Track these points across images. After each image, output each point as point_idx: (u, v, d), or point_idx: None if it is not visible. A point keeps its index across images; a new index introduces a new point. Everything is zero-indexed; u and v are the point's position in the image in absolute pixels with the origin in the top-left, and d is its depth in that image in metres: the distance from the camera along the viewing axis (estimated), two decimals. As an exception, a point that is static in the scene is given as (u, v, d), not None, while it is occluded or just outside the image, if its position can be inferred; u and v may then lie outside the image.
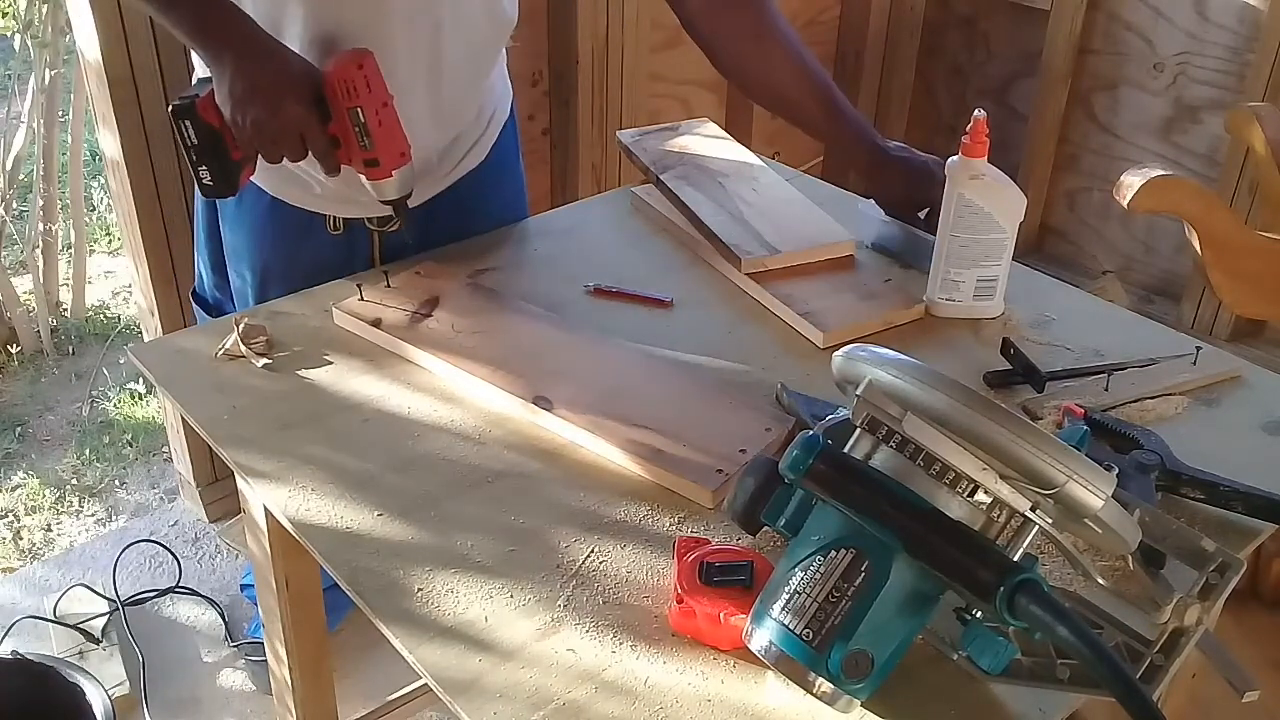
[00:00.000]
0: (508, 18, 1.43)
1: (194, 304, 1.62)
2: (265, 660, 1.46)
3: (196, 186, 1.27)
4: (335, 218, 1.44)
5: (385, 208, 1.32)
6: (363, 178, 1.27)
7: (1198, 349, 1.29)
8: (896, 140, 1.52)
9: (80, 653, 1.97)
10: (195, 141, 1.22)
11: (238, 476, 1.15)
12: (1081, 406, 1.17)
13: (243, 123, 1.19)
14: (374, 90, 1.21)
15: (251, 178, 1.32)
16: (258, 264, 1.47)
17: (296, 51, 1.24)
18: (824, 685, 0.81)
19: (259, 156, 1.23)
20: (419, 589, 0.97)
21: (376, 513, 1.05)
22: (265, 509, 1.19)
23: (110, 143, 1.93)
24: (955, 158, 1.32)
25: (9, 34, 2.63)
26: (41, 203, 2.78)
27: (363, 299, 1.32)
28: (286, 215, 1.43)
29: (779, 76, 1.48)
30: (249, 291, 1.49)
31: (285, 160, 1.23)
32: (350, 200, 1.41)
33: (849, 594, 0.80)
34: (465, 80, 1.41)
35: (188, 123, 1.22)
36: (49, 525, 2.38)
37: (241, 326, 1.26)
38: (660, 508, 1.06)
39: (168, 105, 1.23)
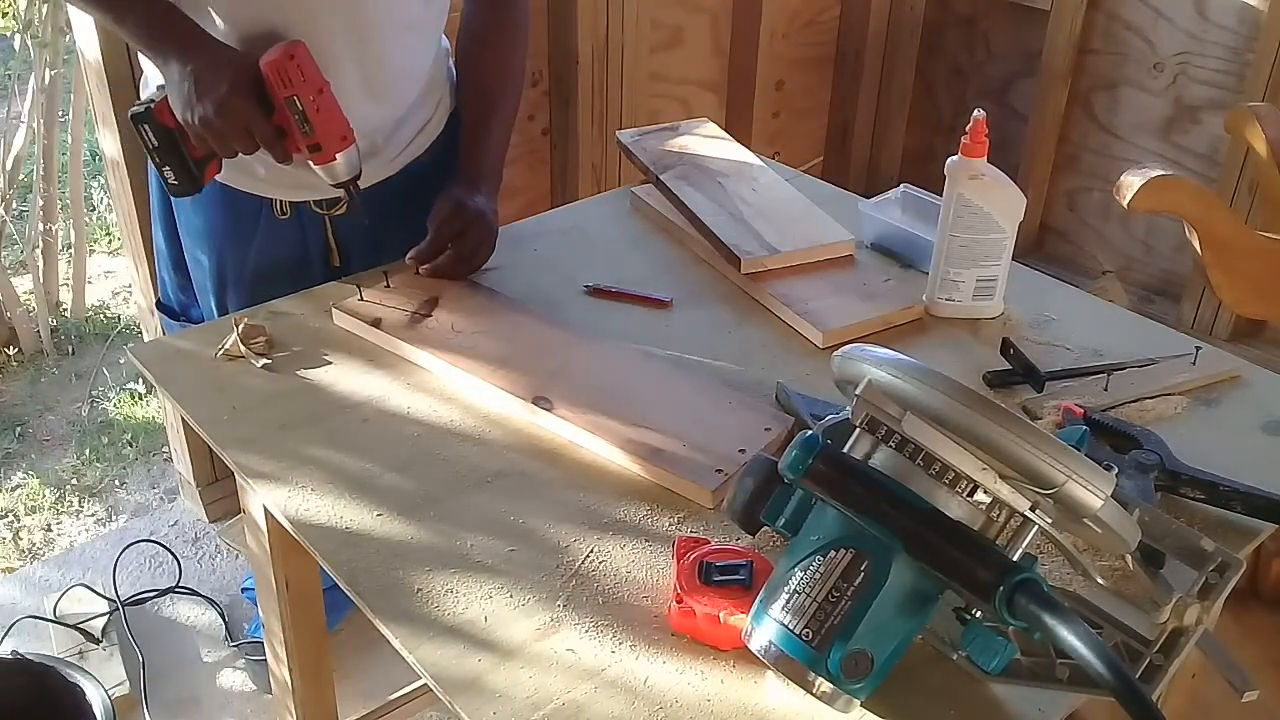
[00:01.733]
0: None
1: (160, 314, 1.63)
2: (265, 660, 1.46)
3: (165, 188, 1.33)
4: (281, 201, 1.45)
5: (331, 190, 1.36)
6: (310, 164, 1.30)
7: (1197, 349, 1.29)
8: (897, 141, 1.51)
9: (80, 653, 1.97)
10: (155, 144, 1.29)
11: (237, 476, 1.15)
12: (1081, 406, 1.17)
13: (193, 121, 1.23)
14: (308, 78, 1.24)
15: (214, 177, 1.35)
16: (213, 251, 1.49)
17: (230, 44, 1.28)
18: (823, 685, 0.81)
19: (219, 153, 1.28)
20: (419, 589, 0.97)
21: (376, 513, 1.05)
22: (265, 509, 1.19)
23: (110, 143, 1.93)
24: (955, 157, 1.32)
25: (9, 34, 2.63)
26: (41, 203, 2.78)
27: (362, 299, 1.32)
28: (235, 201, 1.44)
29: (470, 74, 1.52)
30: (208, 281, 1.51)
31: (240, 153, 1.27)
32: (294, 185, 1.42)
33: (848, 594, 0.80)
34: (396, 53, 1.41)
35: (146, 127, 1.28)
36: (49, 525, 2.38)
37: (241, 327, 1.26)
38: (660, 508, 1.06)
39: (127, 114, 1.30)
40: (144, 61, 1.41)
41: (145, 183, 1.91)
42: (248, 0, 1.29)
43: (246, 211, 1.45)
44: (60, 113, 2.75)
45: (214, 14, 1.30)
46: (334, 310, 1.31)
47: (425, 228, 1.41)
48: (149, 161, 1.33)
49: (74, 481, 2.49)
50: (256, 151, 1.27)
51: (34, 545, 2.32)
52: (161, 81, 1.29)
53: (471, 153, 1.48)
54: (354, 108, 1.33)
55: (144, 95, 1.37)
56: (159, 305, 1.64)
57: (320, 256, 1.50)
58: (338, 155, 1.29)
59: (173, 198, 1.41)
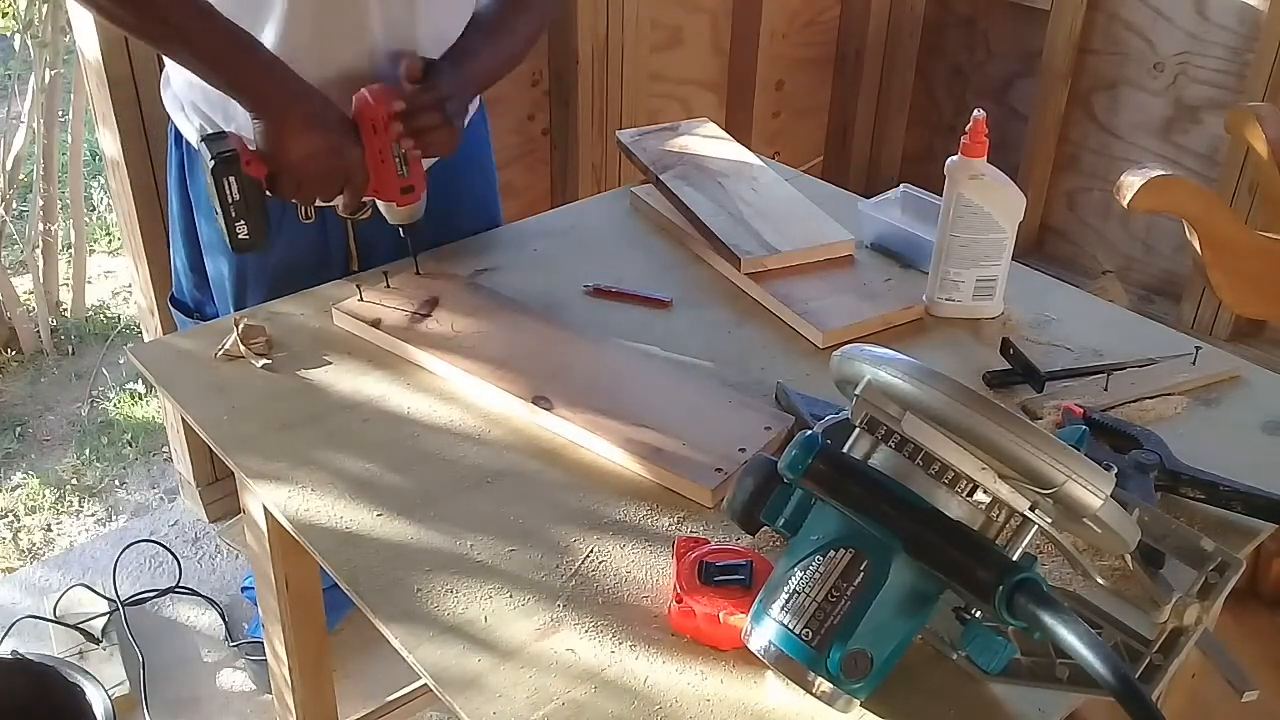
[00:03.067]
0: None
1: (172, 309, 1.62)
2: (265, 660, 1.46)
3: (228, 241, 1.25)
4: (306, 206, 1.44)
5: None
6: (389, 205, 1.31)
7: (1197, 349, 1.29)
8: (897, 141, 1.51)
9: (80, 653, 1.97)
10: (237, 198, 1.21)
11: (237, 476, 1.15)
12: (1081, 406, 1.17)
13: (299, 180, 1.22)
14: (390, 119, 1.25)
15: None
16: (234, 256, 1.47)
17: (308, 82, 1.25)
18: (823, 685, 0.81)
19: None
20: (418, 589, 0.97)
21: (376, 513, 1.05)
22: (265, 509, 1.19)
23: (110, 142, 1.93)
24: (955, 157, 1.32)
25: (9, 34, 2.63)
26: (41, 202, 2.78)
27: (362, 299, 1.32)
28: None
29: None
30: (226, 283, 1.50)
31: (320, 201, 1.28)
32: None
33: (848, 594, 0.80)
34: (430, 46, 1.38)
35: (232, 179, 1.20)
36: (49, 525, 2.38)
37: (241, 327, 1.26)
38: (660, 508, 1.06)
39: (208, 163, 1.21)
40: (186, 89, 1.37)
41: (145, 182, 1.93)
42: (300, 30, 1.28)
43: (270, 215, 1.44)
44: (60, 112, 2.75)
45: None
46: (334, 311, 1.31)
47: (447, 232, 1.42)
48: (219, 216, 1.23)
49: (74, 481, 2.49)
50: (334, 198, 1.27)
51: (34, 545, 2.32)
52: (229, 123, 1.27)
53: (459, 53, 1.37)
54: None
55: (192, 129, 1.35)
56: (172, 300, 1.62)
57: (341, 259, 1.48)
58: (420, 196, 1.32)
59: (233, 249, 1.30)
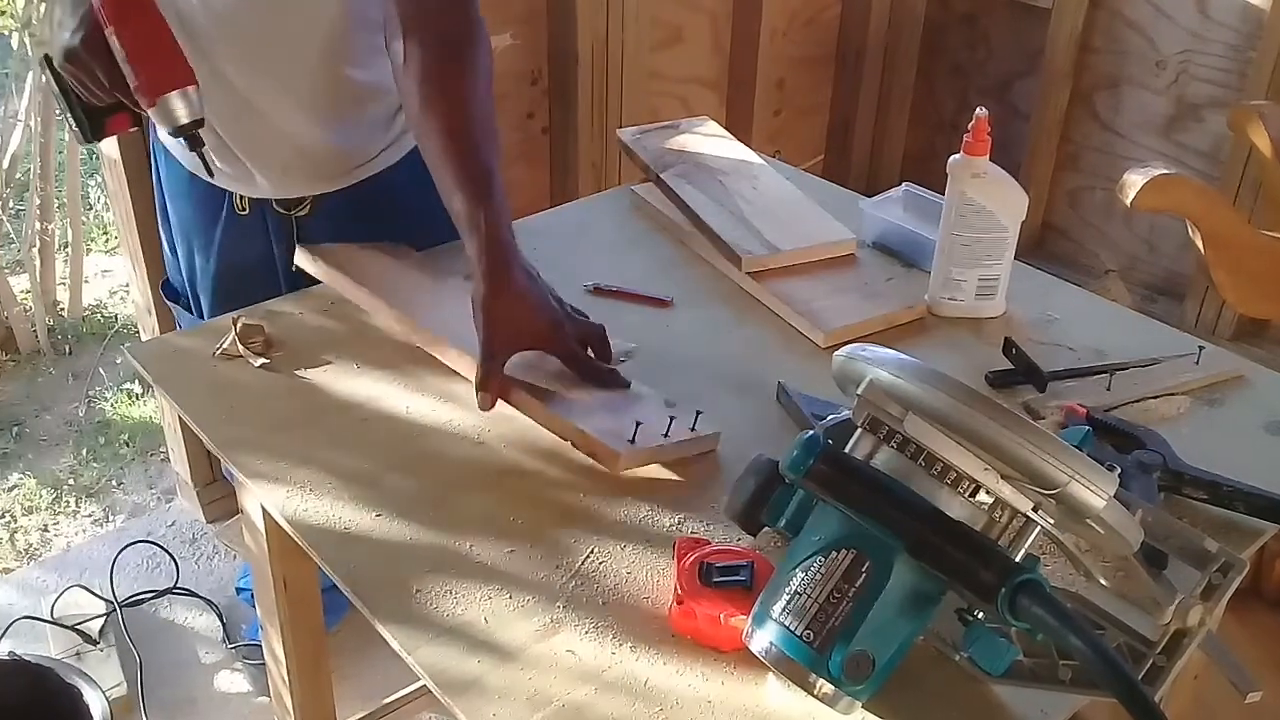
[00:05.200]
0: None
1: (164, 296, 1.62)
2: (263, 662, 1.46)
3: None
4: (241, 197, 1.43)
5: (288, 189, 1.34)
6: (144, 110, 1.21)
7: (1200, 349, 1.28)
8: (898, 140, 1.50)
9: (77, 654, 1.97)
10: (56, 90, 1.25)
11: (235, 476, 1.14)
12: (1084, 406, 1.17)
13: (57, 64, 1.21)
14: (129, 12, 1.15)
15: (125, 130, 1.30)
16: (185, 240, 1.49)
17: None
18: (825, 687, 0.80)
19: (130, 104, 1.22)
20: (417, 590, 0.96)
21: (375, 513, 1.04)
22: (263, 509, 1.18)
23: (107, 141, 1.92)
24: (957, 156, 1.32)
25: (7, 32, 2.62)
26: (38, 201, 2.77)
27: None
28: (199, 190, 1.44)
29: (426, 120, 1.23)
30: (182, 268, 1.51)
31: (114, 98, 1.21)
32: (245, 180, 1.41)
33: (850, 595, 0.79)
34: (362, 57, 1.35)
35: (46, 72, 1.24)
36: (46, 526, 2.37)
37: (239, 326, 1.25)
38: (660, 508, 1.06)
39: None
40: None
41: (142, 181, 1.92)
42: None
43: (209, 204, 1.44)
44: (57, 111, 2.74)
45: None
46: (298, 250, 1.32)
47: (395, 238, 1.39)
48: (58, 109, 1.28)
49: (71, 482, 2.49)
50: (118, 90, 1.20)
51: (31, 546, 2.31)
52: None
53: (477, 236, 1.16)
54: (320, 113, 1.32)
55: None
56: (164, 286, 1.63)
57: (286, 262, 1.42)
58: (160, 99, 1.16)
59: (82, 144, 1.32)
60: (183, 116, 1.19)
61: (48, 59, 1.23)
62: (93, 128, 1.27)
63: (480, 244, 1.13)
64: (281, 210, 1.44)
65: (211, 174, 1.29)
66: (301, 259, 1.30)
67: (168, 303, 1.62)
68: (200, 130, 1.21)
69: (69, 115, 1.26)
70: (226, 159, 1.39)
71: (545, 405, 1.12)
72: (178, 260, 1.56)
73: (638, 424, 1.10)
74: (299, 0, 1.30)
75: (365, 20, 1.31)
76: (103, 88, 1.20)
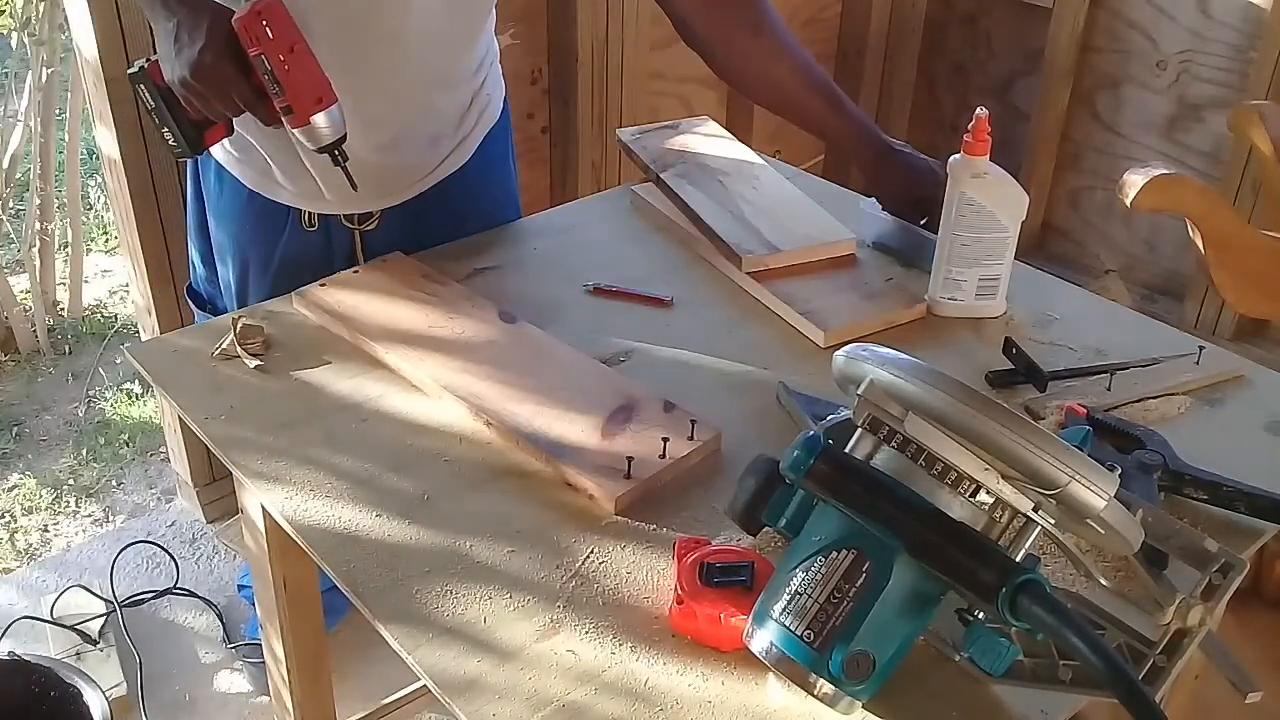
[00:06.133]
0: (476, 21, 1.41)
1: (189, 300, 1.62)
2: (263, 661, 1.46)
3: (171, 154, 1.29)
4: (309, 213, 1.43)
5: (358, 204, 1.33)
6: (290, 129, 1.24)
7: (1201, 348, 1.28)
8: (899, 139, 1.51)
9: (77, 654, 1.97)
10: (153, 104, 1.24)
11: (235, 477, 1.14)
12: (1084, 406, 1.16)
13: (175, 81, 1.19)
14: (278, 35, 1.17)
15: (221, 143, 1.33)
16: (239, 257, 1.48)
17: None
18: (825, 687, 0.80)
19: (222, 118, 1.24)
20: (417, 590, 0.96)
21: (375, 513, 1.04)
22: (263, 509, 1.18)
23: (107, 141, 1.92)
24: (957, 156, 1.32)
25: (6, 32, 2.62)
26: (38, 201, 2.77)
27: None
28: (263, 209, 1.43)
29: (779, 74, 1.47)
30: (233, 284, 1.49)
31: (231, 118, 1.23)
32: (318, 196, 1.41)
33: (850, 595, 0.79)
34: (423, 65, 1.37)
35: (142, 86, 1.24)
36: (46, 526, 2.37)
37: (239, 326, 1.25)
38: (660, 508, 1.06)
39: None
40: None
41: (142, 181, 1.92)
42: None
43: (272, 219, 1.43)
44: (57, 111, 2.74)
45: None
46: (293, 298, 1.31)
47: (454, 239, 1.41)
48: (154, 125, 1.27)
49: (71, 482, 2.48)
50: (238, 114, 1.22)
51: (31, 546, 2.31)
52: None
53: (858, 127, 1.49)
54: (384, 119, 1.31)
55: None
56: (189, 290, 1.62)
57: (345, 268, 1.43)
58: (311, 119, 1.21)
59: (200, 189, 1.33)
60: (328, 135, 1.23)
61: (144, 74, 1.22)
62: (196, 141, 1.27)
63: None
64: (348, 225, 1.44)
65: (355, 187, 1.30)
66: (299, 305, 1.30)
67: (193, 308, 1.61)
68: (345, 145, 1.25)
69: (170, 130, 1.26)
70: (298, 175, 1.38)
71: (541, 451, 1.10)
72: (213, 273, 1.55)
73: (630, 459, 1.07)
74: (393, 31, 1.30)
75: (461, 34, 1.35)
76: (231, 106, 1.21)
